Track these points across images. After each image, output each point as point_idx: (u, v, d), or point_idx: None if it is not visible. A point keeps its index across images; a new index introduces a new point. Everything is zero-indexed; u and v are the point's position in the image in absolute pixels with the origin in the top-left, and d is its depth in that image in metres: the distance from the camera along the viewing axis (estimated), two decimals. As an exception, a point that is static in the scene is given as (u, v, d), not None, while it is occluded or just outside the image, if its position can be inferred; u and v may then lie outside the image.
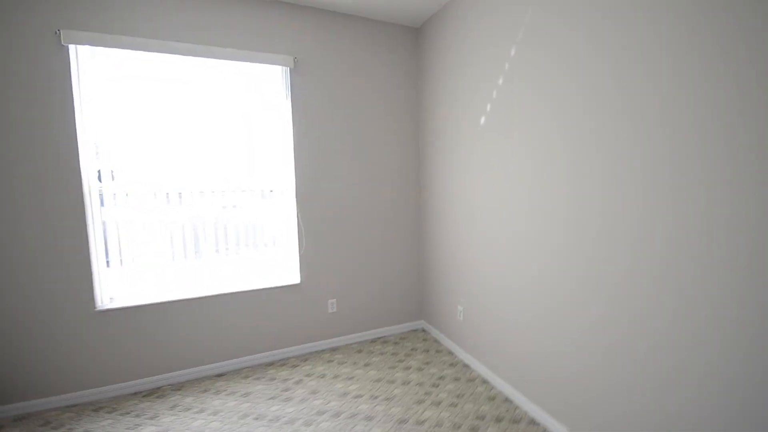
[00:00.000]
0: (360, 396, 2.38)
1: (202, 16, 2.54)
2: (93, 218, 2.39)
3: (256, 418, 2.18)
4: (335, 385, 2.52)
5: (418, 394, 2.39)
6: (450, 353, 2.94)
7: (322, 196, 2.98)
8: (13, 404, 2.27)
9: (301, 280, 2.94)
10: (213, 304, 2.68)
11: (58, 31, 2.22)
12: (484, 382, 2.52)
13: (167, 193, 2.56)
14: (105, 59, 2.38)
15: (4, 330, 2.22)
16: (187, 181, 2.61)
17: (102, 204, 2.43)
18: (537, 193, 2.07)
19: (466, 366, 2.73)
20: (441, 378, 2.58)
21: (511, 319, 2.30)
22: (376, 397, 2.36)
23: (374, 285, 3.22)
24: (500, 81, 2.27)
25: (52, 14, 2.22)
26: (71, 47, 2.27)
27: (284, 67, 2.79)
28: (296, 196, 2.89)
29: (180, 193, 2.60)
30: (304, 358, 2.93)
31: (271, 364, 2.84)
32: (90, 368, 2.42)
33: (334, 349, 3.05)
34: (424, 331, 3.40)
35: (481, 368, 2.61)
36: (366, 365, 2.78)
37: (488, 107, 2.39)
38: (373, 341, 3.20)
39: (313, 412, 2.22)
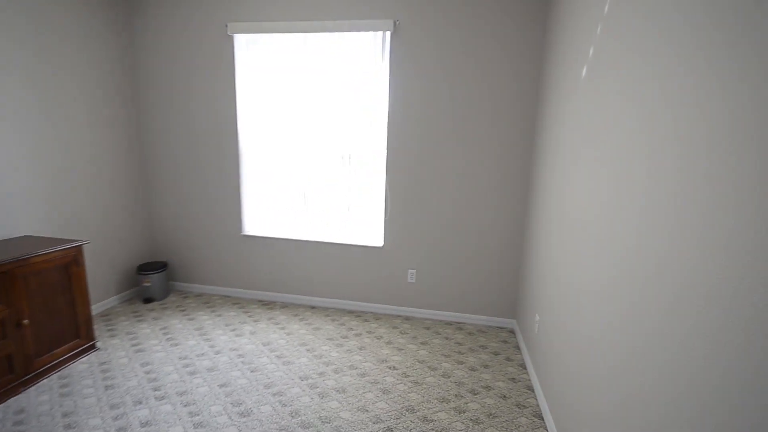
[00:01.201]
0: (394, 368, 2.37)
1: (313, -9, 2.80)
2: (243, 169, 3.22)
3: (308, 350, 2.54)
4: (383, 350, 2.58)
5: (450, 393, 2.15)
6: (521, 366, 2.43)
7: (414, 167, 2.88)
8: (194, 284, 3.50)
9: (383, 245, 3.04)
10: (314, 248, 3.17)
11: (226, 25, 2.97)
12: (537, 416, 2.00)
13: (290, 153, 3.12)
14: (248, 43, 3.02)
15: (194, 238, 3.39)
16: (304, 143, 3.07)
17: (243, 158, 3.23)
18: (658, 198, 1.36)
19: (528, 389, 2.22)
20: (487, 387, 2.21)
21: (590, 362, 1.69)
22: (406, 376, 2.29)
23: (462, 268, 2.94)
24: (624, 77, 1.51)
25: (222, 11, 2.97)
26: (235, 36, 2.99)
27: (384, 32, 2.75)
28: (386, 164, 2.92)
29: (298, 153, 3.11)
30: (377, 317, 3.09)
31: (350, 312, 3.15)
32: (236, 274, 3.39)
33: (407, 318, 3.07)
34: (511, 332, 2.90)
35: (541, 398, 2.07)
36: (423, 343, 2.68)
37: (614, 101, 1.66)
38: (449, 324, 3.00)
39: (346, 365, 2.39)
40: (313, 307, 3.23)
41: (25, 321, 2.00)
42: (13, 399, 1.94)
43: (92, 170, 2.89)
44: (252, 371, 2.27)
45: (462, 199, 2.86)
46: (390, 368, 2.37)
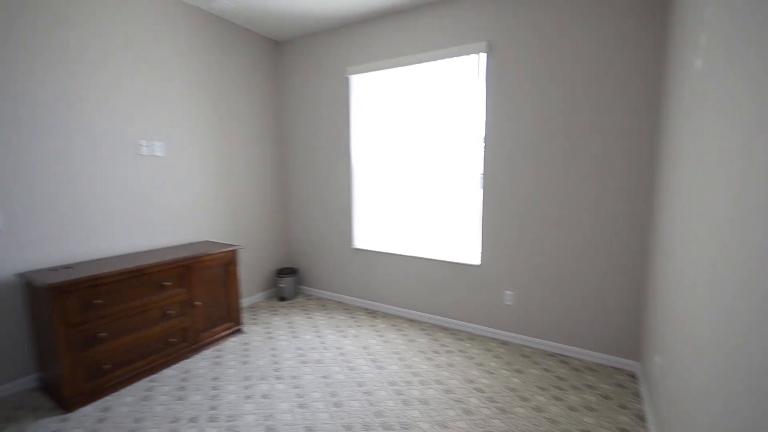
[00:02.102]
0: (481, 391, 2.32)
1: (409, 29, 3.06)
2: (354, 189, 3.66)
3: (400, 359, 2.70)
4: (472, 370, 2.55)
5: (540, 429, 2.00)
6: (638, 418, 2.07)
7: (512, 184, 2.81)
8: (316, 289, 4.06)
9: (480, 263, 3.01)
10: (414, 264, 3.35)
11: (345, 68, 3.49)
12: (646, 476, 1.69)
13: (393, 174, 3.42)
14: (360, 81, 3.46)
15: (316, 249, 3.97)
16: (405, 164, 3.33)
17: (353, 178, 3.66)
18: None
19: (639, 442, 1.88)
20: (586, 432, 1.97)
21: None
22: (493, 401, 2.22)
23: (569, 295, 2.69)
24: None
25: (341, 57, 3.50)
26: (350, 77, 3.49)
27: (478, 54, 2.81)
28: (483, 182, 2.92)
29: (399, 174, 3.38)
30: (472, 337, 3.04)
31: (445, 329, 3.19)
32: (347, 283, 3.82)
33: (503, 343, 2.93)
34: (631, 376, 2.47)
35: (653, 457, 1.74)
36: (517, 371, 2.53)
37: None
38: (550, 355, 2.74)
39: (433, 378, 2.45)
40: (410, 320, 3.39)
41: (197, 303, 2.73)
42: (184, 361, 2.66)
43: (249, 191, 3.72)
44: (349, 369, 2.54)
45: (567, 218, 2.64)
46: (476, 390, 2.33)
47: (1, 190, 2.15)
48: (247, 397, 2.22)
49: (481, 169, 2.94)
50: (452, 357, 2.72)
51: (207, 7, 3.13)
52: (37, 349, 2.26)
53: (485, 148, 2.88)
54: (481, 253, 3.00)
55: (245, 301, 3.77)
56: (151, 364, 2.46)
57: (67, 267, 2.30)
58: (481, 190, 2.95)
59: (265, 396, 2.24)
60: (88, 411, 2.09)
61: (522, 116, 2.72)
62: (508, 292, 2.91)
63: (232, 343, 2.93)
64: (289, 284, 3.92)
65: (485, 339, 3.01)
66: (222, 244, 3.08)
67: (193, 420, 2.02)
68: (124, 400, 2.19)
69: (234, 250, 3.00)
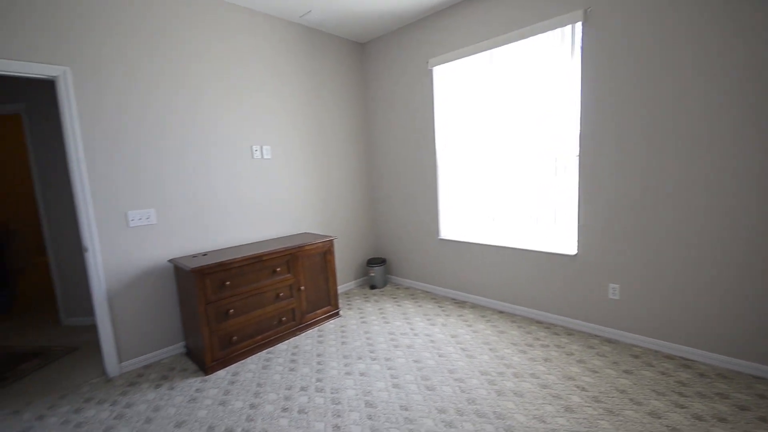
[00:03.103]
0: (583, 389, 2.16)
1: (493, 8, 2.92)
2: (439, 181, 3.66)
3: (491, 349, 2.65)
4: (571, 367, 2.38)
5: (654, 434, 1.80)
6: (787, 436, 1.72)
7: (614, 166, 2.52)
8: (404, 278, 4.17)
9: (577, 253, 2.77)
10: (503, 254, 3.24)
11: (427, 61, 3.50)
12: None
13: (479, 163, 3.33)
14: (443, 70, 3.42)
15: (404, 240, 4.08)
16: (492, 151, 3.22)
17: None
18: None
19: (793, 466, 1.57)
20: (717, 445, 1.71)
21: None
22: (598, 401, 2.05)
23: (693, 290, 2.33)
24: None
25: (423, 51, 3.51)
26: (433, 68, 3.48)
27: (573, 25, 2.57)
28: (579, 165, 2.67)
29: (487, 162, 3.28)
30: (569, 332, 2.83)
31: (539, 322, 3.02)
32: (434, 273, 3.85)
33: (608, 341, 2.67)
34: (778, 387, 2.05)
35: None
36: (626, 372, 2.29)
37: None
38: (669, 357, 2.41)
39: (527, 372, 2.36)
40: (500, 312, 3.29)
41: (302, 287, 3.04)
42: (293, 339, 2.98)
43: (341, 187, 3.98)
44: (440, 356, 2.58)
45: (686, 201, 2.28)
46: (578, 388, 2.18)
47: (156, 192, 2.66)
48: (347, 374, 2.41)
49: (575, 151, 2.70)
50: (548, 351, 2.58)
51: (300, 20, 3.41)
52: (183, 321, 2.76)
53: (581, 128, 2.64)
54: (578, 242, 2.76)
55: (340, 288, 4.05)
56: (268, 339, 2.82)
57: (203, 254, 2.75)
58: (577, 175, 2.71)
59: (362, 374, 2.40)
60: (222, 375, 2.49)
61: (627, 92, 2.42)
62: (613, 285, 2.64)
63: (331, 325, 3.19)
64: (378, 273, 4.10)
65: (585, 335, 2.78)
66: (319, 235, 3.36)
67: (303, 389, 2.27)
68: (249, 367, 2.56)
69: (330, 240, 3.25)
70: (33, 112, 3.24)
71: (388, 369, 2.45)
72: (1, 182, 5.46)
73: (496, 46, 2.98)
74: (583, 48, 2.56)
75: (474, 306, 3.46)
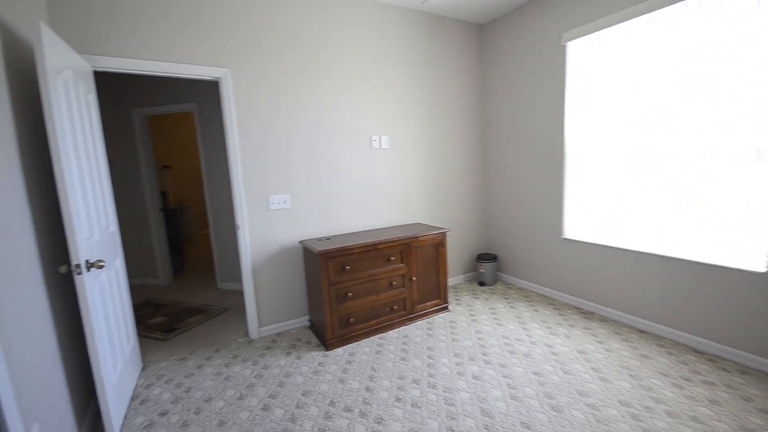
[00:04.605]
0: (775, 452, 1.62)
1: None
2: (567, 173, 3.17)
3: (631, 376, 2.21)
4: (751, 417, 1.80)
5: None
6: None
7: None
8: (516, 278, 3.80)
9: (767, 271, 2.08)
10: (650, 263, 2.66)
11: (560, 36, 3.02)
12: None
13: (621, 155, 2.77)
14: (580, 47, 2.89)
15: (518, 236, 3.70)
16: (636, 140, 2.63)
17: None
18: None
19: None
20: None
21: None
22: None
23: None
24: None
25: (555, 25, 3.03)
26: (567, 44, 2.99)
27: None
28: (790, 161, 1.97)
29: (628, 152, 2.70)
30: (743, 369, 2.17)
31: (697, 351, 2.40)
32: (554, 276, 3.41)
33: (813, 393, 1.95)
34: None
35: None
36: None
37: None
38: None
39: (687, 413, 1.87)
40: (640, 331, 2.72)
41: (414, 278, 2.99)
42: (403, 328, 2.97)
43: (453, 177, 3.80)
44: (564, 372, 2.25)
45: None
46: (765, 448, 1.64)
47: (290, 180, 2.90)
48: (459, 374, 2.28)
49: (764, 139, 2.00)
50: (714, 391, 2.02)
51: (421, 6, 3.28)
52: (309, 298, 2.98)
53: (796, 110, 1.93)
54: (775, 261, 2.07)
55: (450, 282, 3.92)
56: (380, 325, 2.86)
57: (327, 239, 2.91)
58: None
59: (476, 377, 2.24)
60: (340, 353, 2.61)
61: None
62: (830, 323, 1.91)
63: (440, 319, 3.08)
64: (488, 270, 3.83)
65: (773, 379, 2.10)
66: (432, 226, 3.25)
67: (415, 381, 2.22)
68: (363, 350, 2.63)
69: (443, 232, 3.12)
70: (202, 110, 3.85)
71: (504, 377, 2.23)
72: (181, 167, 6.77)
73: (660, 7, 2.38)
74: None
75: (604, 319, 2.95)
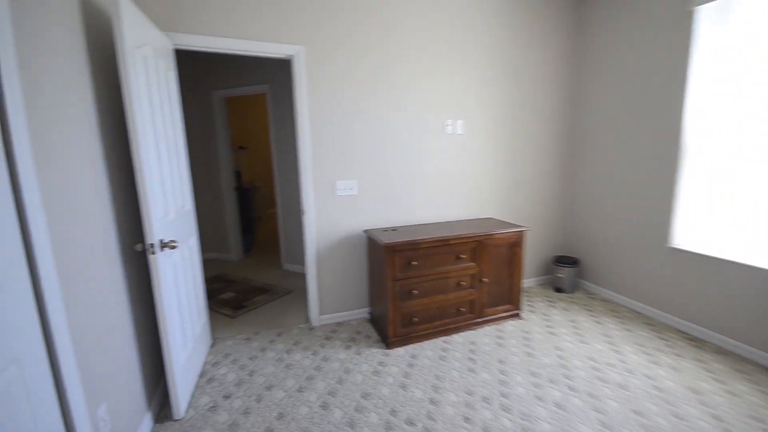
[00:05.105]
0: None
1: None
2: (682, 170, 2.57)
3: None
4: None
5: None
6: None
7: None
8: (602, 288, 3.28)
9: None
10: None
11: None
12: None
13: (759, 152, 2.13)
14: (715, 12, 2.23)
15: (608, 240, 3.16)
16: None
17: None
18: None
19: None
20: None
21: None
22: None
23: None
24: None
25: (699, -15, 2.39)
26: (697, 8, 2.35)
27: None
28: None
29: (794, 150, 2.06)
30: None
31: None
32: (654, 290, 2.85)
33: None
34: None
35: None
36: None
37: None
38: None
39: None
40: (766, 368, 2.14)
41: (485, 279, 2.68)
42: (470, 332, 2.69)
43: (532, 168, 3.35)
44: (676, 416, 1.82)
45: None
46: None
47: (359, 165, 2.72)
48: (538, 398, 1.96)
49: None
50: None
51: (518, -29, 2.82)
52: (370, 290, 2.83)
53: None
54: None
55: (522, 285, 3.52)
56: (445, 327, 2.62)
57: (393, 229, 2.71)
58: None
59: (558, 406, 1.91)
60: (401, 353, 2.42)
61: None
62: None
63: (511, 327, 2.75)
64: (567, 275, 3.36)
65: None
66: (507, 223, 2.88)
67: (485, 400, 1.95)
68: (426, 353, 2.41)
69: (522, 232, 2.74)
70: (274, 92, 3.82)
71: (595, 410, 1.87)
72: (254, 149, 7.04)
73: None
74: None
75: (720, 351, 2.38)
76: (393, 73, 2.70)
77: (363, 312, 2.93)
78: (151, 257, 1.58)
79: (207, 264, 4.35)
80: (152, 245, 1.57)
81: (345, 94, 2.60)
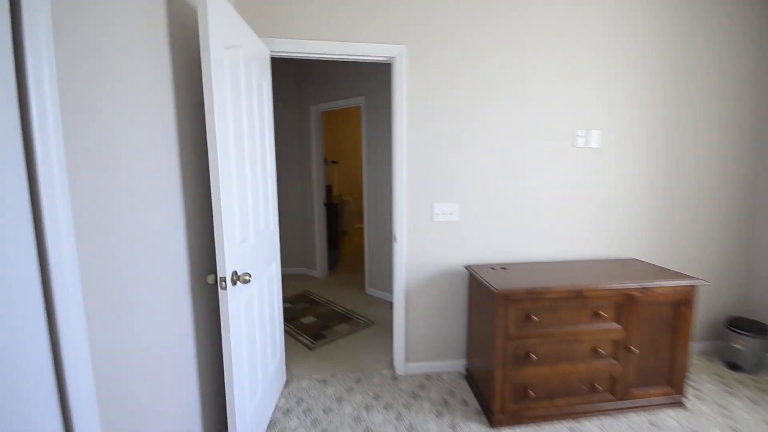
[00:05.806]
0: None
1: None
2: None
3: None
4: None
5: None
6: None
7: None
8: None
9: None
10: None
11: None
12: None
13: None
14: None
15: None
16: None
17: None
18: None
19: None
20: None
21: None
22: None
23: None
24: None
25: None
26: None
27: None
28: None
29: None
30: None
31: None
32: None
33: None
34: None
35: None
36: None
37: None
38: None
39: None
40: None
41: (634, 348, 1.91)
42: (608, 420, 1.92)
43: (695, 199, 2.42)
44: None
45: None
46: None
47: (462, 185, 2.22)
48: None
49: None
50: None
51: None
52: (469, 339, 2.28)
53: None
54: None
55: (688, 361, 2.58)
56: (572, 408, 1.91)
57: (503, 268, 2.13)
58: None
59: None
60: (511, 435, 1.81)
61: None
62: None
63: (671, 420, 1.91)
64: (750, 348, 2.31)
65: None
66: (666, 270, 2.06)
67: None
68: (548, 444, 1.76)
69: (693, 287, 1.91)
70: (369, 104, 3.57)
71: None
72: (345, 162, 7.06)
73: None
74: None
75: None
76: (511, 74, 2.16)
77: (458, 364, 2.37)
78: (221, 292, 1.32)
79: (292, 280, 4.26)
80: (224, 279, 1.30)
81: (449, 100, 2.14)
